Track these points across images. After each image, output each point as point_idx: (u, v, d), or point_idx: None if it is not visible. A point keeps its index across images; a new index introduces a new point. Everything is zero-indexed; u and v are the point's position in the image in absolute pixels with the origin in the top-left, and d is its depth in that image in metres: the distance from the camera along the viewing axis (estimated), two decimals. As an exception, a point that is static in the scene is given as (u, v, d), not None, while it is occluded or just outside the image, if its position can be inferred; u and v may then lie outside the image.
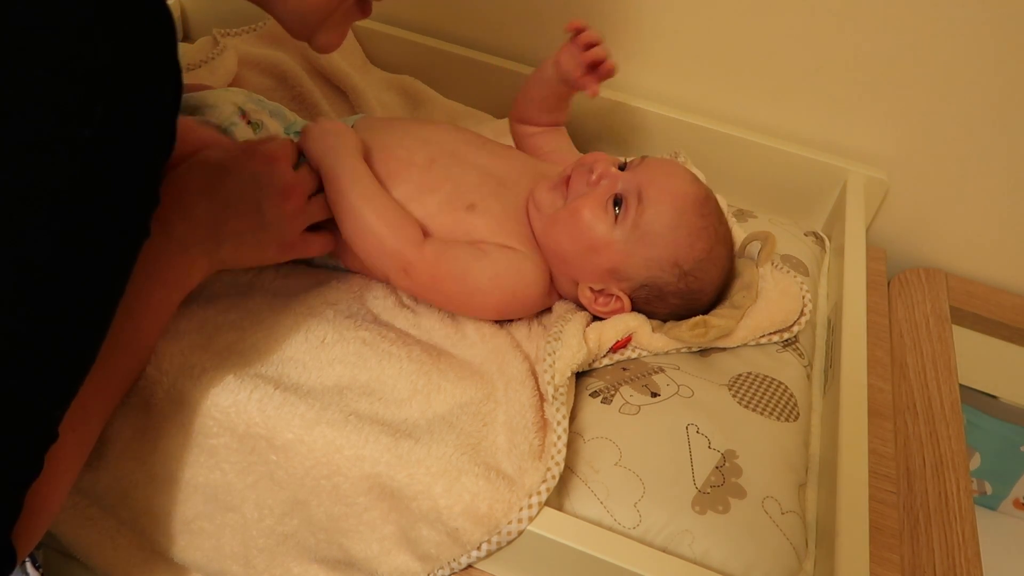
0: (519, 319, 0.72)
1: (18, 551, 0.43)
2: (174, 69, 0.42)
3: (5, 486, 0.41)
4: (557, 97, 0.81)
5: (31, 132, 0.36)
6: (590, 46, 0.74)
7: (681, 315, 0.70)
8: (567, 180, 0.70)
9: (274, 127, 0.76)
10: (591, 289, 0.69)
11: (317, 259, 0.73)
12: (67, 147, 0.37)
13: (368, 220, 0.65)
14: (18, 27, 0.35)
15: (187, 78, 0.87)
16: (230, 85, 0.90)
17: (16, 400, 0.39)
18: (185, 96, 0.74)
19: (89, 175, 0.38)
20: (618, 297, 0.69)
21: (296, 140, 0.73)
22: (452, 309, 0.70)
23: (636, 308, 0.70)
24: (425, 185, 0.69)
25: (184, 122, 0.70)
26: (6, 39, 0.36)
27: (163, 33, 0.41)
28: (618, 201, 0.67)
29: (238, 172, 0.59)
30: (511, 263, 0.68)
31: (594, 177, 0.68)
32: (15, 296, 0.37)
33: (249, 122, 0.75)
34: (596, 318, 0.71)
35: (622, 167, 0.70)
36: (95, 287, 0.42)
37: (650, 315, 0.71)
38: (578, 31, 0.75)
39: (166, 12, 0.40)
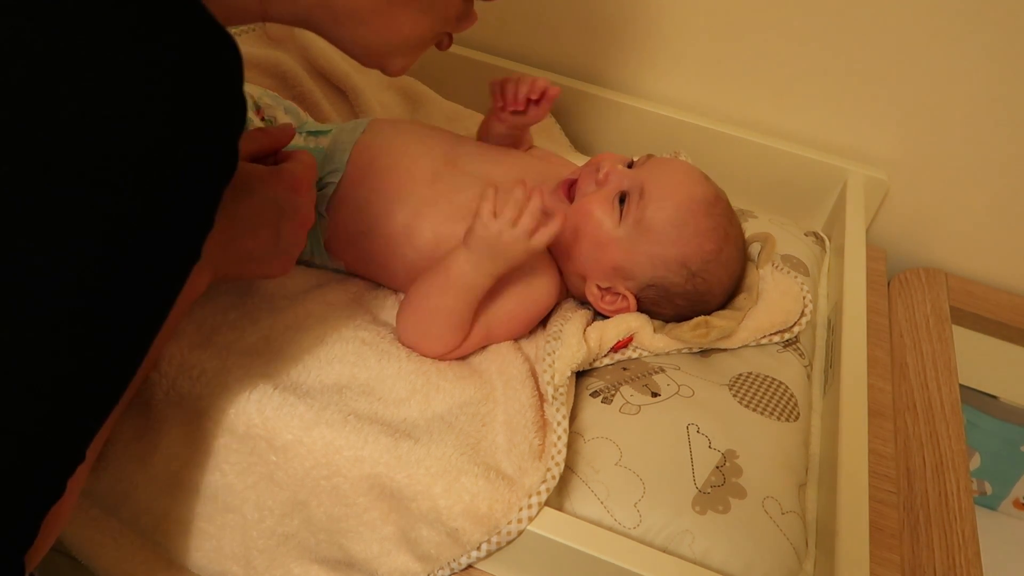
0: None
1: (27, 567, 0.43)
2: (240, 102, 0.42)
3: (30, 513, 0.40)
4: (517, 138, 0.80)
5: (109, 162, 0.36)
6: (514, 104, 0.74)
7: (686, 317, 0.70)
8: (569, 184, 0.71)
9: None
10: (598, 287, 0.70)
11: (318, 260, 0.73)
12: (136, 178, 0.37)
13: (438, 309, 0.64)
14: (92, 65, 0.35)
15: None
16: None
17: (67, 426, 0.39)
18: None
19: (155, 206, 0.38)
20: (624, 296, 0.69)
21: (308, 142, 0.73)
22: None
23: (642, 309, 0.70)
24: (430, 199, 0.70)
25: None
26: (78, 76, 0.35)
27: (232, 68, 0.41)
28: (623, 198, 0.67)
29: (261, 194, 0.57)
30: (515, 289, 0.67)
31: (601, 175, 0.69)
32: (72, 320, 0.37)
33: (263, 118, 0.75)
34: (598, 317, 0.71)
35: (630, 166, 0.70)
36: (147, 310, 0.42)
37: (655, 316, 0.71)
38: (501, 92, 0.74)
39: (234, 48, 0.40)
